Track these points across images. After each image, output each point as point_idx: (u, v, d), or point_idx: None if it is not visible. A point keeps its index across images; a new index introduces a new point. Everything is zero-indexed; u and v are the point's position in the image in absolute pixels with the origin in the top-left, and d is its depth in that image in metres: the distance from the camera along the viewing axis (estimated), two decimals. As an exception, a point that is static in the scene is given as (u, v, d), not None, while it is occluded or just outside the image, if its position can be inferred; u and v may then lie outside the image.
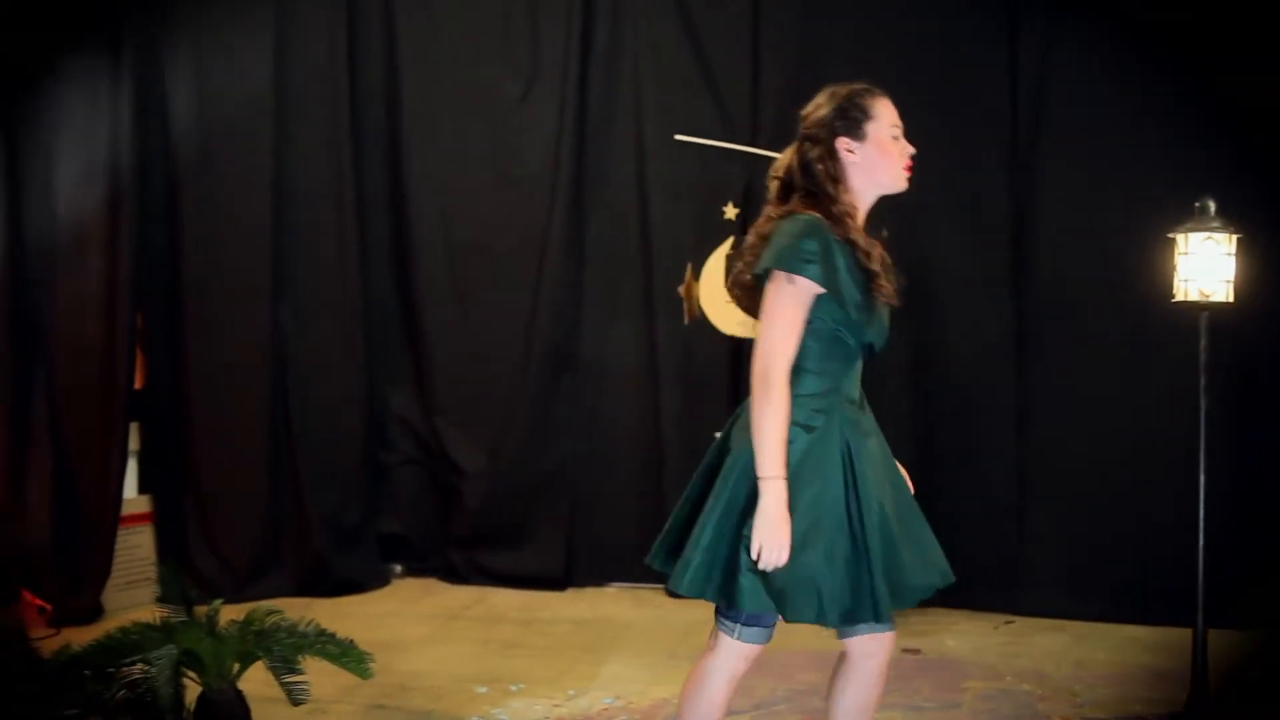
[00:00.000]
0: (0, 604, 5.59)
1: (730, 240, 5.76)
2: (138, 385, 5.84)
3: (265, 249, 5.95)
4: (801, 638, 4.98)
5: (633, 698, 4.30)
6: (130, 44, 5.69)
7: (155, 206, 5.87)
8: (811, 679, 4.42)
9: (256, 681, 3.54)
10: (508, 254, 6.10)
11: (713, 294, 5.78)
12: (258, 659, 3.45)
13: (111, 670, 3.33)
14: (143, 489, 5.97)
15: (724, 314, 5.74)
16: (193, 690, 3.45)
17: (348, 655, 3.46)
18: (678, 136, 5.76)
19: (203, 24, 5.91)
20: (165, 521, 5.97)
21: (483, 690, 4.44)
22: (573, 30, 5.97)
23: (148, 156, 5.79)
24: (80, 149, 5.67)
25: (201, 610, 3.60)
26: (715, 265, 5.78)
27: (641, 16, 5.94)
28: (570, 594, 5.92)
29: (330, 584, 5.97)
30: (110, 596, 5.69)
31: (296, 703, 3.32)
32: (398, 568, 6.35)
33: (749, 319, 5.59)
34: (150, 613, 5.33)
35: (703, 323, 5.84)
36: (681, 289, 5.77)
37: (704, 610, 5.42)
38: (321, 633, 3.52)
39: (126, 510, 5.76)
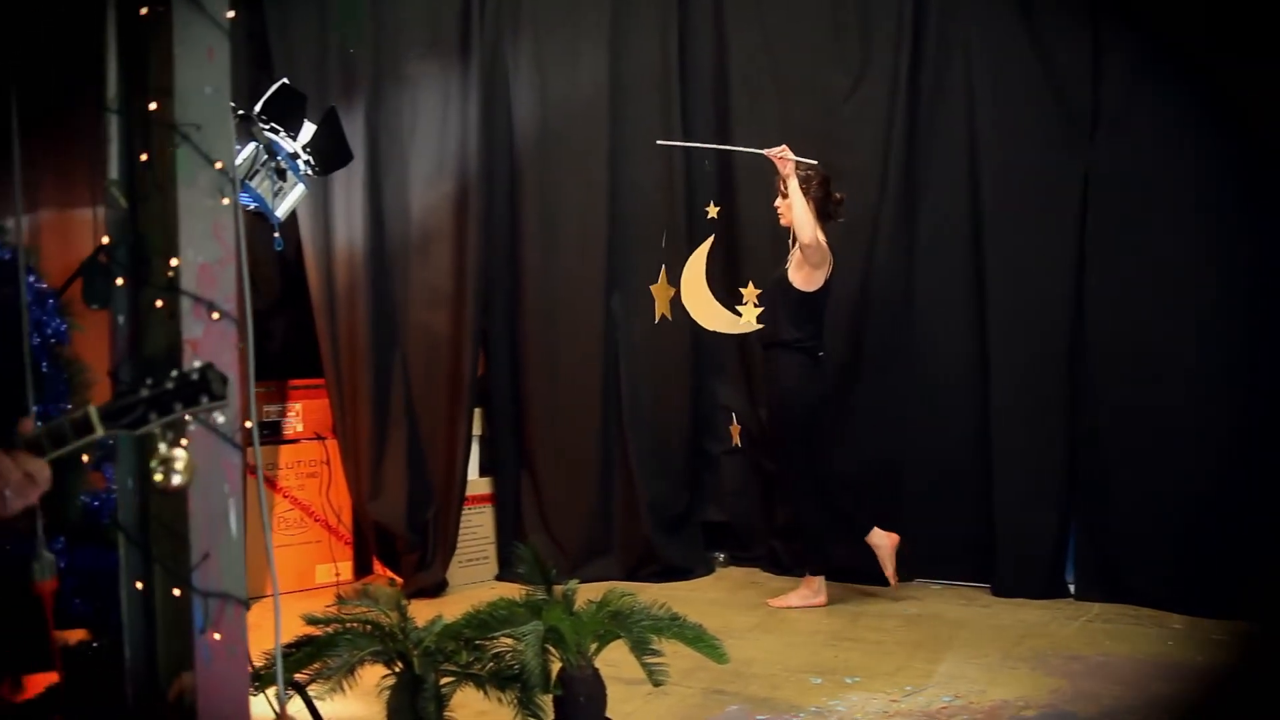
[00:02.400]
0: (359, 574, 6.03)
1: (711, 239, 5.62)
2: (479, 371, 6.15)
3: (600, 242, 6.17)
4: (1149, 647, 4.82)
5: (973, 698, 4.22)
6: (479, 51, 6.02)
7: (499, 203, 6.17)
8: (1163, 689, 4.25)
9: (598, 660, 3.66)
10: (835, 245, 6.07)
11: (697, 292, 5.66)
12: (615, 639, 3.56)
13: (481, 642, 3.50)
14: (483, 471, 6.28)
15: (707, 312, 5.71)
16: (552, 665, 3.60)
17: (702, 640, 3.53)
18: (659, 142, 5.84)
19: (544, 29, 6.18)
20: (503, 503, 6.27)
21: (817, 681, 4.46)
22: (904, 21, 5.90)
23: (492, 157, 6.12)
24: (432, 150, 6.02)
25: (559, 589, 3.75)
26: (697, 263, 5.68)
27: (976, 5, 5.81)
28: (895, 589, 5.87)
29: (656, 569, 6.14)
30: (453, 572, 6.01)
31: (657, 683, 3.41)
32: (721, 556, 6.46)
33: (731, 317, 5.58)
34: (491, 589, 5.64)
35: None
36: (655, 287, 5.69)
37: (1035, 611, 5.37)
38: (674, 616, 3.60)
39: (469, 491, 6.08)
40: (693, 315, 5.79)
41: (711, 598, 5.84)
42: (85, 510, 3.07)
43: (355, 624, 3.50)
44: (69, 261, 4.18)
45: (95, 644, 3.01)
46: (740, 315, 5.48)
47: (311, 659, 3.40)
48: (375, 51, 6.00)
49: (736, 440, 6.29)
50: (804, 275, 5.44)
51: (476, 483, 6.19)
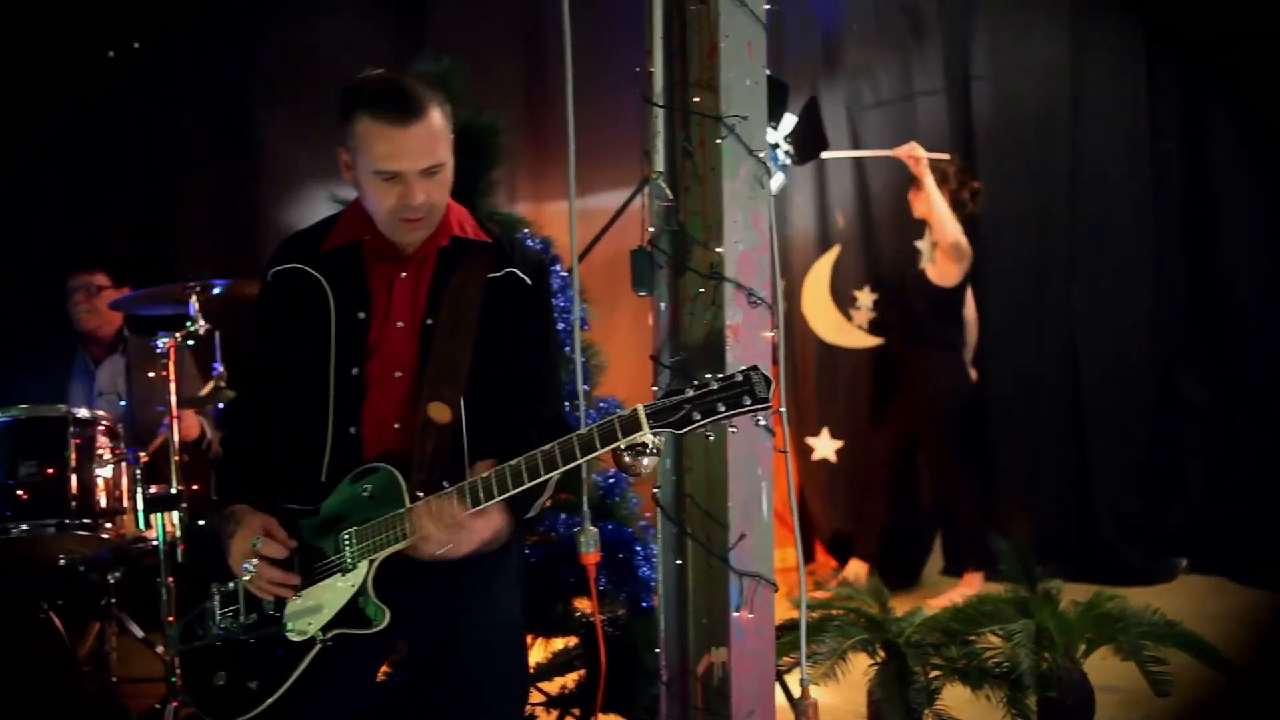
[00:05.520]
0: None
1: (837, 250, 5.56)
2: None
3: (1060, 232, 5.95)
4: None
5: None
6: (934, 38, 5.96)
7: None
8: None
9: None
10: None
11: (817, 302, 5.59)
12: (1108, 643, 3.42)
13: (968, 636, 3.44)
14: (932, 465, 6.20)
15: (829, 323, 5.63)
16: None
17: (1205, 650, 3.34)
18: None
19: (1002, 14, 6.02)
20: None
21: (1313, 704, 4.12)
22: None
23: (956, 143, 5.97)
24: (880, 141, 5.97)
25: (1042, 588, 3.64)
26: (820, 274, 5.59)
27: None
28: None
29: (1112, 573, 5.80)
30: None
31: (1161, 694, 3.24)
32: (1183, 562, 6.07)
33: (847, 325, 5.57)
34: (936, 585, 5.57)
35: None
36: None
37: None
38: (1171, 623, 3.43)
39: (916, 484, 6.03)
40: (812, 327, 5.64)
41: (1176, 607, 5.43)
42: (598, 488, 3.23)
43: (841, 611, 3.53)
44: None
45: (607, 615, 3.17)
46: None
47: (797, 644, 3.44)
48: (820, 40, 6.04)
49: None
50: (941, 271, 5.36)
51: (925, 476, 6.12)
